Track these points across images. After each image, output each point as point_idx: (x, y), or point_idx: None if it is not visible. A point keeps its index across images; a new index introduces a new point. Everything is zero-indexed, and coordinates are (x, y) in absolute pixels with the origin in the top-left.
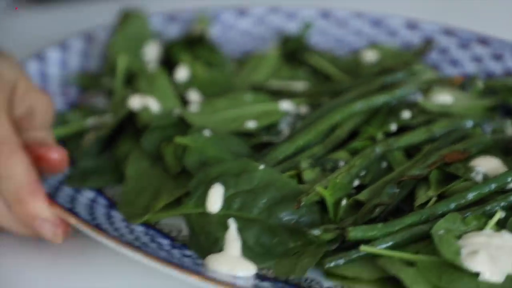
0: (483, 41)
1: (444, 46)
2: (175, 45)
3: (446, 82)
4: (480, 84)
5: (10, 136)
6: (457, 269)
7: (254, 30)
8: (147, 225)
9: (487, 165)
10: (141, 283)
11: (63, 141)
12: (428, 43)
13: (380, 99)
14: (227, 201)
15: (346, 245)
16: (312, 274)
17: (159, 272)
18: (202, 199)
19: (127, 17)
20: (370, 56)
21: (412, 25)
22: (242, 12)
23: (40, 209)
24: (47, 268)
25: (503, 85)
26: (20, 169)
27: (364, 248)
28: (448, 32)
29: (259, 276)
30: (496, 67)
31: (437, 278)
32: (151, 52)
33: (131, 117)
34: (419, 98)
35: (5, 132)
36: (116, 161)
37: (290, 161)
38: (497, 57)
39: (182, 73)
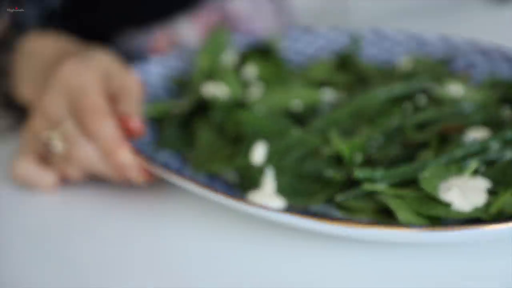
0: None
1: (469, 58)
2: (248, 53)
3: (457, 77)
4: (488, 80)
5: (102, 105)
6: (434, 200)
7: (317, 44)
8: (208, 176)
9: (477, 134)
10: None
11: (156, 119)
12: (453, 54)
13: (398, 87)
14: (268, 155)
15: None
16: (326, 209)
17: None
18: (249, 154)
19: (213, 31)
20: (405, 63)
21: (444, 40)
22: (307, 30)
23: (126, 158)
24: (134, 213)
25: (506, 82)
26: (108, 129)
27: (367, 186)
28: (473, 45)
29: (287, 208)
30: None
31: (418, 206)
32: (228, 58)
33: (204, 100)
34: (435, 89)
35: (98, 101)
36: (191, 133)
37: (322, 132)
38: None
39: (249, 69)
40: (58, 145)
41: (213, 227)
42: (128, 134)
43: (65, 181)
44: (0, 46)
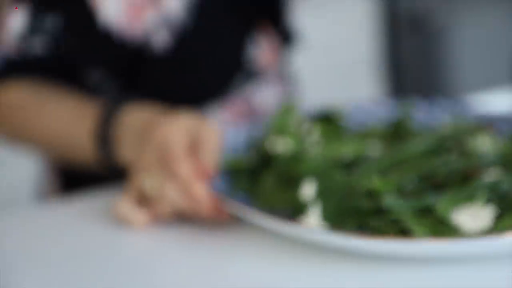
0: None
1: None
2: (314, 119)
3: (483, 130)
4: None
5: (182, 153)
6: (447, 224)
7: (376, 114)
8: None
9: (493, 174)
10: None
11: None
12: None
13: (432, 140)
14: (315, 192)
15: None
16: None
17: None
18: (301, 191)
19: (283, 105)
20: (447, 125)
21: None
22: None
23: (201, 192)
24: (212, 248)
25: None
26: (186, 169)
27: (395, 214)
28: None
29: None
30: None
31: (434, 228)
32: (294, 121)
33: (269, 154)
34: (465, 141)
35: (180, 151)
36: (258, 179)
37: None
38: None
39: (311, 129)
40: (149, 187)
41: (280, 262)
42: (203, 177)
43: (156, 221)
44: (105, 119)
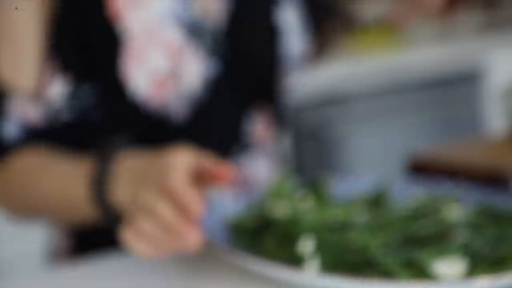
0: None
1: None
2: (305, 189)
3: (453, 202)
4: (481, 207)
5: (181, 176)
6: (428, 272)
7: (357, 187)
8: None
9: (463, 235)
10: None
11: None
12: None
13: (412, 206)
14: (315, 248)
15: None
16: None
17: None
18: (301, 247)
19: (279, 174)
20: (422, 197)
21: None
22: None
23: (194, 197)
24: None
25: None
26: (181, 183)
27: (384, 265)
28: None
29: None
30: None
31: (417, 275)
32: (289, 189)
33: (267, 217)
34: (439, 211)
35: (179, 173)
36: (259, 237)
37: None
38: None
39: (305, 196)
40: (142, 202)
41: None
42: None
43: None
44: (98, 175)
